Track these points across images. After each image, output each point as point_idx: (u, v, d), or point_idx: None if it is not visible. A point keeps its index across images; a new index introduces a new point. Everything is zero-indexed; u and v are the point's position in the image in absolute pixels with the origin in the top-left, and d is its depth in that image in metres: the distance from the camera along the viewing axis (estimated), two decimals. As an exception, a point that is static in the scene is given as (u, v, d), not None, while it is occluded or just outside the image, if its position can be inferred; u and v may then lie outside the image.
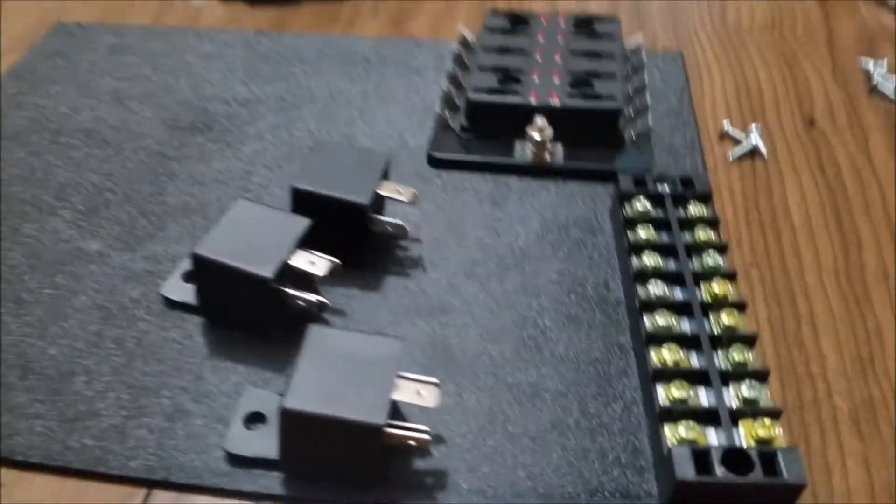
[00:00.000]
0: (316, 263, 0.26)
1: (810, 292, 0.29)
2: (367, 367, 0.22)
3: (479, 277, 0.29)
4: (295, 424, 0.21)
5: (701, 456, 0.21)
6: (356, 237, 0.28)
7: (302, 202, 0.28)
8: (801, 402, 0.25)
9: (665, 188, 0.29)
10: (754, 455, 0.21)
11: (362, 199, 0.28)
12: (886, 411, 0.25)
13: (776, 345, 0.27)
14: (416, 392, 0.22)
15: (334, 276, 0.26)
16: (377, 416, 0.21)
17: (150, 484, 0.23)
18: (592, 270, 0.29)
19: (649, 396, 0.24)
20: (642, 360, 0.25)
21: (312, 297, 0.26)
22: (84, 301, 0.28)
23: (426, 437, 0.22)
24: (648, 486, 0.23)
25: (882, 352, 0.26)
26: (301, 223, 0.26)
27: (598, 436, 0.24)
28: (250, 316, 0.26)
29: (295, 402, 0.21)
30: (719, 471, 0.21)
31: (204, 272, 0.26)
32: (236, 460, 0.23)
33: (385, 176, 0.29)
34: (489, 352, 0.26)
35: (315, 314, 0.27)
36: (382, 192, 0.28)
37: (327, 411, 0.21)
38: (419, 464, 0.23)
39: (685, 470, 0.21)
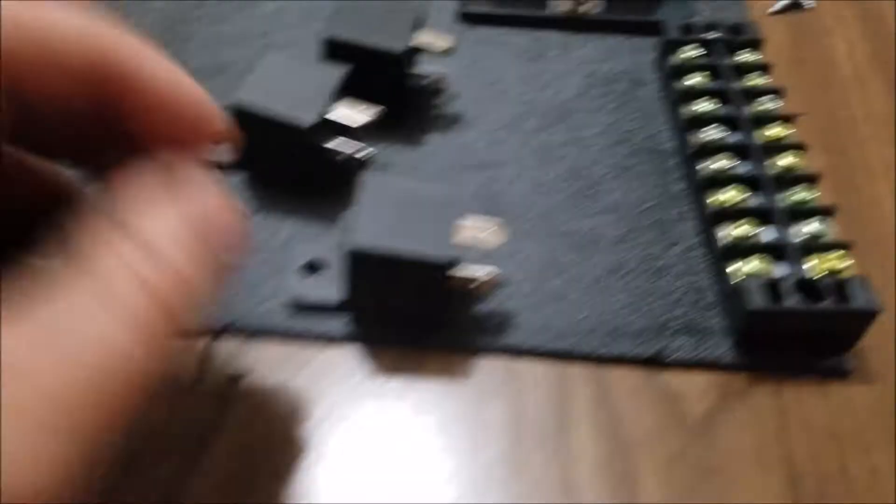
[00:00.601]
0: (358, 111, 0.25)
1: (863, 141, 0.28)
2: (428, 211, 0.21)
3: (523, 131, 0.28)
4: (361, 265, 0.20)
5: (771, 286, 0.21)
6: (394, 90, 0.27)
7: (334, 54, 0.26)
8: (859, 245, 0.25)
9: (714, 35, 0.28)
10: (825, 283, 0.21)
11: (399, 46, 0.26)
12: (944, 249, 0.25)
13: (831, 191, 0.26)
14: (478, 233, 0.21)
15: (375, 129, 0.25)
16: (444, 254, 0.20)
17: (214, 333, 0.22)
18: (640, 122, 0.28)
19: (709, 239, 0.24)
20: (700, 204, 0.25)
21: (357, 147, 0.25)
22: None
23: (491, 275, 0.21)
24: (715, 321, 0.22)
25: (937, 193, 0.26)
26: (338, 71, 0.25)
27: (660, 278, 0.24)
28: (293, 169, 0.25)
29: (362, 242, 0.20)
30: (791, 299, 0.21)
31: (241, 125, 0.24)
32: (297, 307, 0.22)
33: (420, 25, 0.28)
34: (541, 203, 0.26)
35: (359, 166, 0.25)
36: (420, 41, 0.27)
37: (395, 250, 0.20)
38: (481, 306, 0.23)
39: (756, 300, 0.21)
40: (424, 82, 0.27)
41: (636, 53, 0.31)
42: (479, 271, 0.21)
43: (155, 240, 0.13)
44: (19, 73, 0.13)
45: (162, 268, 0.13)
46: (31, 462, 0.11)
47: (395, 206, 0.21)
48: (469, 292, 0.22)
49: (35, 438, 0.12)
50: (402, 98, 0.27)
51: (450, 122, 0.28)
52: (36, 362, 0.12)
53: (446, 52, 0.27)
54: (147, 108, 0.14)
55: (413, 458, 0.21)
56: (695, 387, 0.22)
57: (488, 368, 0.22)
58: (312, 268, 0.23)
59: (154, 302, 0.13)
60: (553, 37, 0.31)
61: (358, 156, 0.24)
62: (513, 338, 0.22)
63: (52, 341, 0.12)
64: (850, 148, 0.28)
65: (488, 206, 0.25)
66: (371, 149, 0.25)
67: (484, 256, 0.23)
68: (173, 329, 0.13)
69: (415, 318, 0.22)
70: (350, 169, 0.25)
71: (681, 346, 0.22)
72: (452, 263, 0.20)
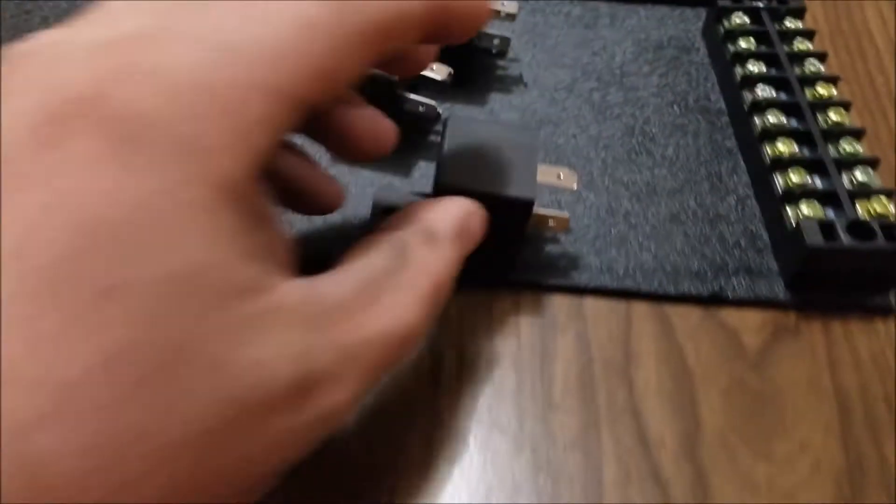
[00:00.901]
0: (434, 69, 0.26)
1: (899, 104, 0.30)
2: (509, 152, 0.23)
3: (581, 92, 0.29)
4: (448, 202, 0.22)
5: (827, 227, 0.23)
6: (462, 51, 0.29)
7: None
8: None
9: (762, 3, 0.30)
10: (875, 225, 0.23)
11: (471, 9, 0.28)
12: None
13: (871, 148, 0.28)
14: (556, 175, 0.23)
15: (442, 88, 0.27)
16: (528, 192, 0.22)
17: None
18: (691, 84, 0.30)
19: (762, 189, 0.25)
20: (752, 158, 0.26)
21: (431, 101, 0.26)
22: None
23: (565, 215, 0.23)
24: (769, 263, 0.24)
25: (971, 153, 0.28)
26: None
27: (716, 225, 0.25)
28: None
29: (448, 179, 0.22)
30: (845, 238, 0.22)
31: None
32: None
33: (485, -8, 0.29)
34: (601, 156, 0.27)
35: (435, 121, 0.27)
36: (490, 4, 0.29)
37: (480, 187, 0.22)
38: (550, 249, 0.25)
39: (814, 238, 0.22)
40: (491, 44, 0.29)
41: (683, 23, 0.32)
42: (554, 212, 0.23)
43: (441, 236, 0.18)
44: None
45: (444, 260, 0.18)
46: (351, 395, 0.15)
47: (478, 146, 0.23)
48: (544, 231, 0.24)
49: (358, 378, 0.15)
50: (470, 59, 0.29)
51: (511, 83, 0.30)
52: (368, 318, 0.16)
53: (510, 18, 0.29)
54: (458, 26, 0.18)
55: (483, 386, 0.22)
56: (750, 323, 0.24)
57: (557, 305, 0.24)
58: (390, 212, 0.25)
59: (437, 287, 0.17)
60: (602, 7, 0.33)
61: (439, 109, 0.26)
62: (580, 278, 0.24)
63: (380, 309, 0.16)
64: (887, 109, 0.29)
65: (550, 159, 0.27)
66: (440, 108, 0.27)
67: (551, 203, 0.24)
68: (441, 306, 0.18)
69: (489, 258, 0.24)
70: (424, 124, 0.27)
71: (738, 286, 0.24)
72: (534, 202, 0.22)
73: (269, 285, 0.14)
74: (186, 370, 0.12)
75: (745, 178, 0.27)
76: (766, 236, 0.25)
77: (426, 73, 0.26)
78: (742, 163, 0.27)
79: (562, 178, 0.23)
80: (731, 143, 0.28)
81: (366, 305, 0.16)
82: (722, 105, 0.29)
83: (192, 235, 0.13)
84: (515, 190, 0.22)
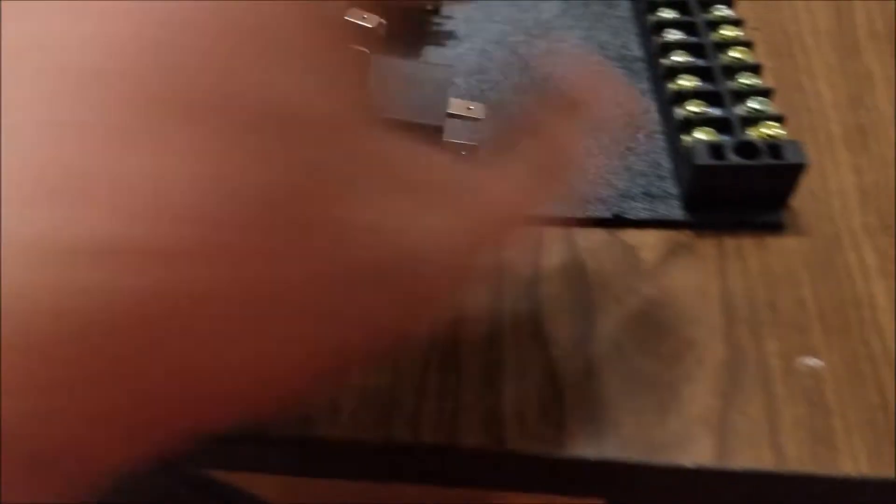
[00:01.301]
0: (366, 17, 0.29)
1: (808, 49, 0.31)
2: (425, 86, 0.25)
3: (509, 45, 0.32)
4: (364, 129, 0.24)
5: (716, 148, 0.25)
6: (394, 6, 0.31)
7: (344, -24, 0.30)
8: (799, 128, 0.28)
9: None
10: (762, 145, 0.25)
11: (402, -33, 0.30)
12: (874, 133, 0.28)
13: (777, 86, 0.30)
14: (466, 107, 0.25)
15: (375, 42, 0.29)
16: (436, 120, 0.24)
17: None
18: (613, 36, 0.32)
19: (667, 122, 0.27)
20: (660, 95, 0.28)
21: (364, 49, 0.28)
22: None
23: (476, 144, 0.25)
24: (669, 188, 0.26)
25: (871, 90, 0.30)
26: (347, -14, 0.29)
27: (624, 157, 0.27)
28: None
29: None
30: (732, 157, 0.24)
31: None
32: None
33: (418, -48, 0.31)
34: (522, 101, 0.29)
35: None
36: (419, -36, 0.31)
37: (393, 115, 0.24)
38: (468, 179, 0.27)
39: (703, 158, 0.24)
40: (424, 3, 0.31)
41: (611, -18, 0.34)
42: (465, 141, 0.25)
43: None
44: None
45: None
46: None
47: (398, 81, 0.25)
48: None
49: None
50: (403, 14, 0.31)
51: (443, 37, 0.32)
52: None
53: (441, -21, 0.31)
54: None
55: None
56: (648, 241, 0.26)
57: (475, 230, 0.26)
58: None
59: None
60: (536, -33, 0.35)
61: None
62: (496, 205, 0.26)
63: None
64: (796, 55, 0.31)
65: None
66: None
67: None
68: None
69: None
70: (357, 70, 0.29)
71: (639, 208, 0.26)
72: (441, 127, 0.24)
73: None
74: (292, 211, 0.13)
75: (656, 117, 0.29)
76: (668, 164, 0.27)
77: (357, 20, 0.28)
78: (654, 103, 0.29)
79: (471, 109, 0.25)
80: (645, 85, 0.30)
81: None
82: (640, 54, 0.31)
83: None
84: (425, 117, 0.24)
